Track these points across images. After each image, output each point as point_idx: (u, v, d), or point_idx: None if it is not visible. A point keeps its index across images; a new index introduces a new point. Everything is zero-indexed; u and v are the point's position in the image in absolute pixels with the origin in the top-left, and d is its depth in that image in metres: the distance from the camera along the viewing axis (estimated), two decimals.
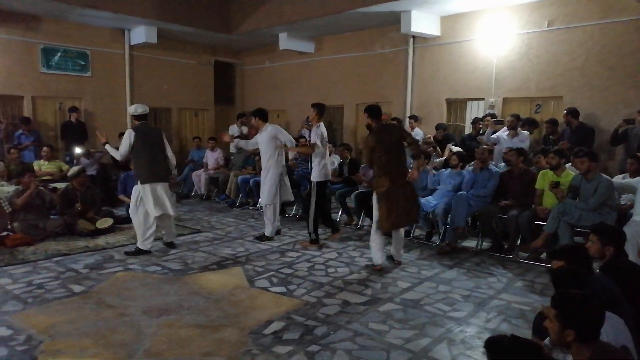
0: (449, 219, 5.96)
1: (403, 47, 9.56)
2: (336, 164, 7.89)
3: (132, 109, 5.48)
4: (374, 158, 4.99)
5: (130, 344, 3.26)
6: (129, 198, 7.18)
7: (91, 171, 8.38)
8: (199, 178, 9.67)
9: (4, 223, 5.95)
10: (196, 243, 6.09)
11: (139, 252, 5.46)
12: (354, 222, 7.24)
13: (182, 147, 11.84)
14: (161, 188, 5.45)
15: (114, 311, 3.83)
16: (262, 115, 6.31)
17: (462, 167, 6.33)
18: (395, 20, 8.74)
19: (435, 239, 6.24)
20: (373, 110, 5.20)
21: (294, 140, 6.64)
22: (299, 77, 11.65)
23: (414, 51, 9.44)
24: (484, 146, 6.62)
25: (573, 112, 6.87)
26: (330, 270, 5.01)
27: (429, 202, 6.20)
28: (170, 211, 5.55)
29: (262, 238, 6.23)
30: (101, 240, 6.08)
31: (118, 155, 5.47)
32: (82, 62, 9.98)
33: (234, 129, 11.13)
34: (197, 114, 12.37)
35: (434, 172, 6.72)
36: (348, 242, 6.19)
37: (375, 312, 3.90)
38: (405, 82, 9.61)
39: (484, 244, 5.99)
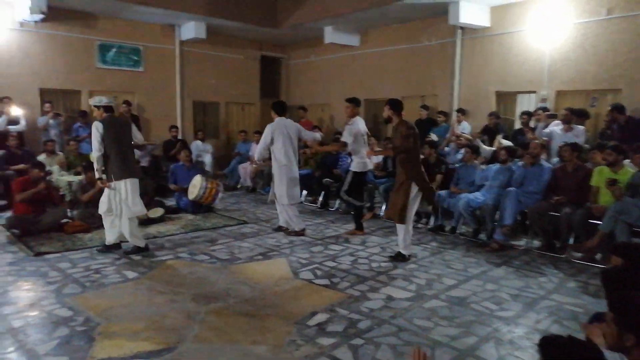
0: (497, 216, 5.82)
1: (451, 38, 9.33)
2: (380, 158, 7.85)
3: (96, 100, 5.02)
4: (410, 148, 4.94)
5: (180, 329, 3.38)
6: (179, 187, 7.48)
7: (144, 163, 8.71)
8: (245, 170, 9.85)
9: (64, 211, 6.28)
10: (242, 234, 6.21)
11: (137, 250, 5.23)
12: None
13: (229, 140, 12.09)
14: (130, 184, 5.03)
15: (164, 297, 3.98)
16: (278, 110, 6.16)
17: (511, 162, 6.14)
18: (442, 11, 8.55)
19: (483, 236, 6.09)
20: (396, 104, 5.11)
21: (317, 137, 6.59)
22: (344, 71, 11.62)
23: (462, 43, 9.20)
24: (536, 141, 6.38)
25: (619, 108, 6.50)
26: (374, 264, 5.00)
27: (477, 197, 6.07)
28: (132, 212, 5.08)
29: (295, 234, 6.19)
30: (153, 229, 6.31)
31: (95, 152, 4.95)
32: (135, 58, 10.36)
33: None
34: (244, 108, 12.58)
35: (482, 167, 6.56)
36: (392, 238, 6.13)
37: (420, 308, 3.87)
38: (452, 74, 9.40)
39: (534, 242, 5.80)
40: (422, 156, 7.03)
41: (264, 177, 9.51)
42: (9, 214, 6.28)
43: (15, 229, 5.81)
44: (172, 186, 7.63)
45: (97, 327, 3.38)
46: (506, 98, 8.95)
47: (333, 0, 9.57)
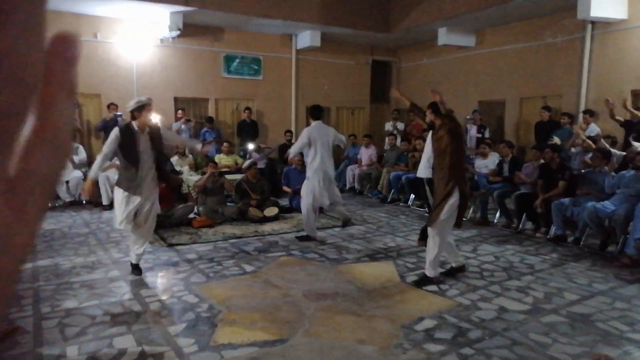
0: (629, 227, 5.25)
1: (579, 34, 8.59)
2: (496, 162, 7.50)
3: (132, 103, 4.31)
4: (444, 150, 4.42)
5: (292, 322, 3.58)
6: (291, 189, 7.85)
7: (261, 165, 9.28)
8: (353, 173, 10.02)
9: (192, 207, 6.95)
10: (350, 235, 6.35)
11: None
12: (513, 225, 6.78)
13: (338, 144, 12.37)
14: (122, 195, 4.35)
15: (278, 291, 4.24)
16: (313, 113, 6.08)
17: None
18: (570, 5, 7.91)
19: (612, 249, 5.53)
20: (435, 105, 4.62)
21: (344, 140, 6.40)
22: (456, 72, 11.27)
23: (592, 38, 8.42)
24: None
25: None
26: (485, 274, 4.81)
27: (606, 207, 5.53)
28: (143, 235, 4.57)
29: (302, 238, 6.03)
30: (268, 227, 6.72)
31: (100, 157, 4.37)
32: (256, 67, 11.09)
33: (388, 126, 11.32)
34: (353, 112, 12.79)
35: (614, 174, 5.96)
36: (506, 246, 5.84)
37: (536, 322, 3.65)
38: (579, 73, 8.64)
39: None
40: (542, 161, 6.62)
41: (371, 180, 9.59)
42: None
43: None
44: (285, 188, 8.04)
45: (219, 314, 3.71)
46: None
47: (448, 1, 9.36)
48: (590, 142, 6.91)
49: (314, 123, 5.96)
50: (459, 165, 4.46)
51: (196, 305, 3.88)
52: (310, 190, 5.84)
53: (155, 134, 4.44)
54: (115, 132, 4.30)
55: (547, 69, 9.26)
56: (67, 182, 7.63)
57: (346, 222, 6.62)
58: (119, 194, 4.36)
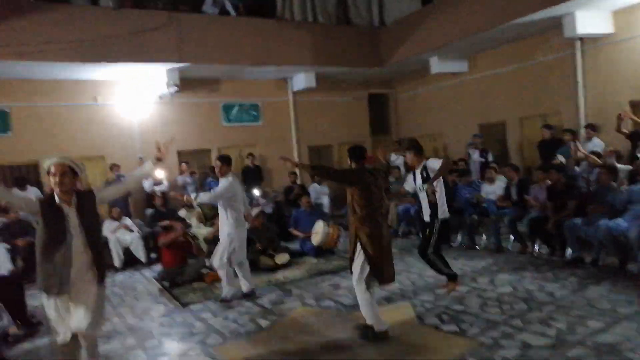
0: None
1: (569, 51, 8.70)
2: (503, 187, 7.46)
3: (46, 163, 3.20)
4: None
5: None
6: (300, 232, 7.82)
7: (268, 209, 9.31)
8: None
9: (203, 261, 6.93)
10: None
11: None
12: (528, 250, 6.69)
13: None
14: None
15: (296, 346, 4.16)
16: (224, 161, 5.54)
17: None
18: (555, 24, 8.06)
19: (632, 266, 5.42)
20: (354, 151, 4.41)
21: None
22: (454, 98, 11.39)
23: (582, 54, 8.52)
24: None
25: None
26: (505, 307, 4.71)
27: (619, 224, 5.45)
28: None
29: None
30: (280, 275, 6.67)
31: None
32: (255, 113, 11.29)
33: (393, 157, 11.35)
34: None
35: (623, 188, 5.90)
36: (523, 274, 5.74)
37: (562, 357, 3.55)
38: (575, 88, 8.71)
39: None
40: (549, 182, 6.58)
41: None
42: (158, 267, 7.11)
43: (165, 281, 6.54)
44: (294, 232, 8.02)
45: None
46: None
47: (436, 31, 9.56)
48: (594, 157, 6.89)
49: (231, 174, 5.60)
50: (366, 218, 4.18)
51: None
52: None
53: (85, 202, 3.20)
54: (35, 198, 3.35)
55: (543, 87, 9.35)
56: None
57: None
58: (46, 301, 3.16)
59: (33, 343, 4.71)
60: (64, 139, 9.27)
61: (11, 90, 8.95)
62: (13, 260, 7.08)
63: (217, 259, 5.54)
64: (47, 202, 3.13)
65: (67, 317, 3.12)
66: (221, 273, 5.58)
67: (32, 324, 5.05)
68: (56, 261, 3.06)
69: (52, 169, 3.07)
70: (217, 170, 5.62)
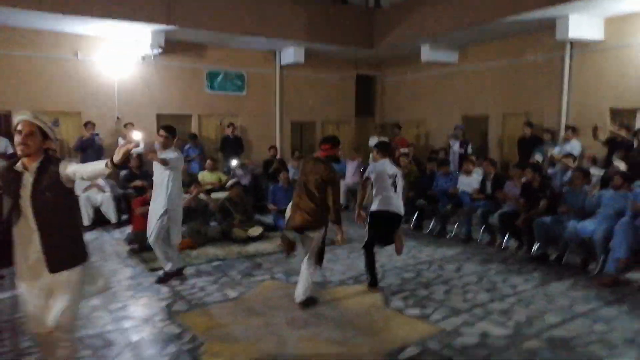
0: (610, 247, 5.32)
1: (558, 53, 8.76)
2: (479, 180, 7.57)
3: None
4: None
5: (274, 354, 3.55)
6: (276, 207, 7.80)
7: (245, 181, 9.23)
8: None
9: None
10: (335, 255, 6.31)
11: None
12: (497, 243, 6.83)
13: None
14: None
15: (261, 319, 4.19)
16: (171, 132, 5.17)
17: (629, 188, 5.60)
18: (549, 25, 8.08)
19: (593, 266, 5.60)
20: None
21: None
22: (441, 88, 11.41)
23: (571, 57, 8.60)
24: None
25: None
26: (468, 295, 4.83)
27: (586, 226, 5.61)
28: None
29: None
30: (252, 247, 6.67)
31: None
32: (239, 83, 11.10)
33: (373, 140, 11.37)
34: (339, 127, 12.85)
35: (594, 192, 6.05)
36: (489, 266, 5.88)
37: (517, 348, 3.67)
38: (560, 90, 8.80)
39: None
40: (524, 180, 6.69)
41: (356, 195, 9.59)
42: (128, 229, 7.02)
43: (134, 244, 6.47)
44: (270, 206, 8.00)
45: (201, 346, 3.66)
46: (623, 115, 8.17)
47: (430, 20, 9.50)
48: (565, 161, 7.04)
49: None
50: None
51: (178, 337, 3.82)
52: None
53: (48, 171, 2.64)
54: None
55: (529, 86, 9.43)
56: None
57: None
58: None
59: None
60: (40, 91, 8.96)
61: None
62: None
63: (153, 237, 5.07)
64: (7, 166, 2.70)
65: (33, 308, 2.67)
66: (158, 251, 5.15)
67: None
68: (15, 240, 2.66)
69: (19, 127, 2.61)
70: (161, 142, 5.15)
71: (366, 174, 5.31)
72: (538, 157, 7.84)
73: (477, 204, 7.20)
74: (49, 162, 2.65)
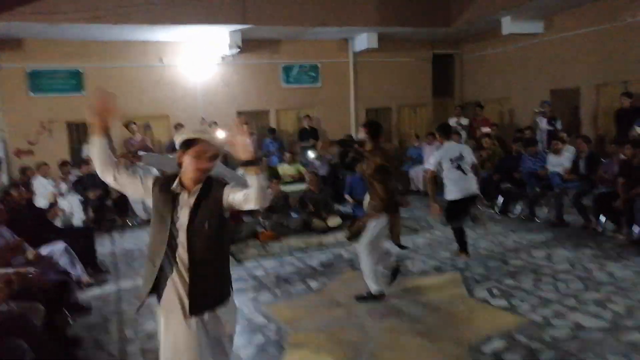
0: None
1: None
2: (571, 158, 7.06)
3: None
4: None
5: (357, 344, 3.63)
6: (353, 199, 7.83)
7: (322, 172, 9.38)
8: (417, 175, 9.79)
9: (258, 222, 7.18)
10: (415, 244, 6.25)
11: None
12: (591, 225, 6.35)
13: (401, 144, 12.19)
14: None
15: (343, 310, 4.29)
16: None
17: None
18: None
19: None
20: (375, 127, 4.47)
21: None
22: (525, 61, 10.70)
23: None
24: None
25: None
26: (560, 284, 4.57)
27: None
28: None
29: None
30: (331, 237, 6.79)
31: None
32: (314, 74, 11.23)
33: (452, 122, 10.97)
34: (416, 110, 12.54)
35: None
36: (583, 251, 5.50)
37: (616, 341, 3.42)
38: None
39: None
40: (623, 156, 6.14)
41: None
42: None
43: None
44: (347, 197, 8.04)
45: (286, 336, 3.83)
46: None
47: None
48: None
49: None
50: (389, 195, 4.29)
51: (265, 327, 4.03)
52: None
53: (212, 190, 2.26)
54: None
55: (627, 51, 8.54)
56: (144, 201, 8.12)
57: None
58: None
59: (102, 289, 5.16)
60: (132, 98, 9.70)
61: (85, 52, 9.42)
62: (84, 211, 7.72)
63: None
64: (163, 181, 2.29)
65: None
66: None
67: (101, 271, 5.53)
68: (157, 268, 2.24)
69: (200, 148, 2.20)
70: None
71: (426, 166, 5.21)
72: (639, 130, 7.12)
73: (569, 185, 6.74)
74: (211, 184, 2.26)
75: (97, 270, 5.51)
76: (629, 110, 8.03)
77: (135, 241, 7.24)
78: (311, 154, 9.56)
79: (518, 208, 7.52)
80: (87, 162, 7.89)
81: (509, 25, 9.84)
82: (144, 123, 9.56)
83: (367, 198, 6.62)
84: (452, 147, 5.33)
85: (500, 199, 7.70)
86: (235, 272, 5.48)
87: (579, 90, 9.65)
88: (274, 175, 8.09)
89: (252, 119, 10.78)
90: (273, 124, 10.91)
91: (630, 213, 5.72)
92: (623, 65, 8.63)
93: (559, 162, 7.17)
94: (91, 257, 5.54)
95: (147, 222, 8.39)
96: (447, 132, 5.44)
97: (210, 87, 10.34)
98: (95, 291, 5.08)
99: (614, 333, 3.55)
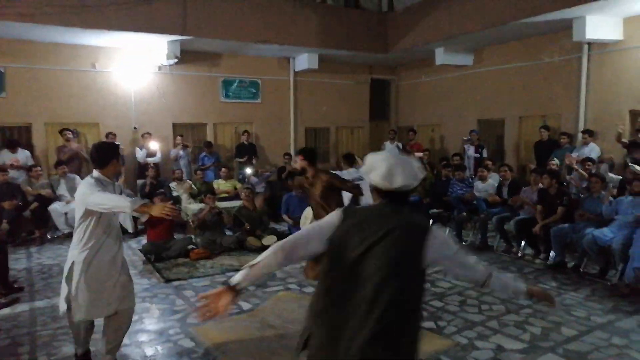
0: (629, 255, 5.21)
1: (576, 54, 8.61)
2: (495, 185, 7.49)
3: None
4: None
5: None
6: (290, 218, 7.81)
7: (259, 189, 9.29)
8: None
9: (190, 239, 6.95)
10: None
11: None
12: (513, 250, 6.74)
13: (338, 165, 12.35)
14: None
15: (275, 332, 4.21)
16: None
17: None
18: (566, 25, 7.95)
19: (612, 274, 5.48)
20: (310, 154, 4.96)
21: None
22: (456, 90, 11.30)
23: (589, 58, 8.44)
24: None
25: None
26: (484, 307, 4.78)
27: (604, 234, 5.50)
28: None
29: None
30: None
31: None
32: (254, 90, 11.18)
33: (387, 146, 11.33)
34: (353, 132, 12.82)
35: (611, 199, 5.94)
36: (505, 274, 5.79)
37: None
38: (577, 92, 8.64)
39: None
40: (541, 185, 6.59)
41: None
42: (145, 239, 7.11)
43: (150, 254, 6.55)
44: (284, 216, 8.01)
45: None
46: None
47: (444, 22, 9.41)
48: (582, 172, 6.89)
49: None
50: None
51: (192, 351, 3.87)
52: None
53: None
54: None
55: (546, 88, 9.28)
56: (66, 213, 7.62)
57: None
58: None
59: (13, 309, 4.74)
60: (59, 103, 9.16)
61: (7, 51, 8.78)
62: None
63: None
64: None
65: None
66: None
67: (13, 289, 5.08)
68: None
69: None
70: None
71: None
72: (556, 162, 7.70)
73: (493, 211, 7.12)
74: None
75: (8, 288, 5.06)
76: (546, 142, 8.69)
77: (54, 256, 6.74)
78: (248, 170, 9.45)
79: (446, 231, 7.82)
80: (2, 169, 7.27)
81: (442, 56, 10.38)
82: (71, 129, 9.02)
83: (304, 217, 6.66)
84: (351, 173, 5.82)
85: (430, 222, 7.97)
86: (162, 291, 5.29)
87: (504, 121, 10.32)
88: (209, 190, 7.87)
89: (188, 132, 10.52)
90: (210, 138, 10.69)
91: (547, 239, 6.13)
92: (542, 100, 9.35)
93: (485, 188, 7.58)
94: (2, 273, 5.08)
95: (68, 235, 7.86)
96: (350, 161, 6.49)
97: (145, 96, 9.98)
98: (4, 311, 4.65)
99: (531, 354, 3.76)
